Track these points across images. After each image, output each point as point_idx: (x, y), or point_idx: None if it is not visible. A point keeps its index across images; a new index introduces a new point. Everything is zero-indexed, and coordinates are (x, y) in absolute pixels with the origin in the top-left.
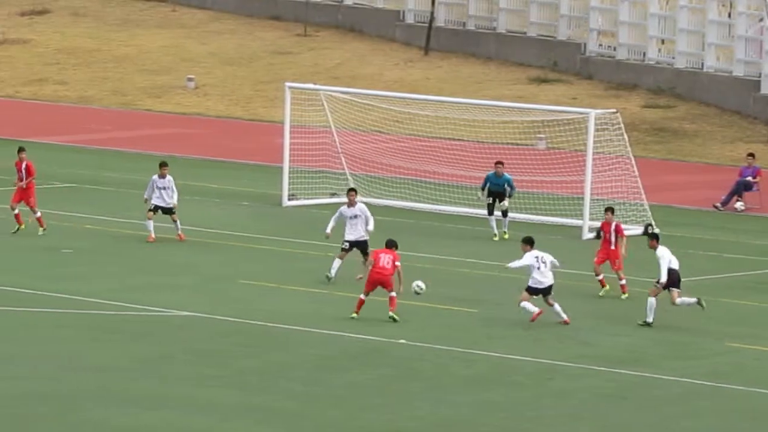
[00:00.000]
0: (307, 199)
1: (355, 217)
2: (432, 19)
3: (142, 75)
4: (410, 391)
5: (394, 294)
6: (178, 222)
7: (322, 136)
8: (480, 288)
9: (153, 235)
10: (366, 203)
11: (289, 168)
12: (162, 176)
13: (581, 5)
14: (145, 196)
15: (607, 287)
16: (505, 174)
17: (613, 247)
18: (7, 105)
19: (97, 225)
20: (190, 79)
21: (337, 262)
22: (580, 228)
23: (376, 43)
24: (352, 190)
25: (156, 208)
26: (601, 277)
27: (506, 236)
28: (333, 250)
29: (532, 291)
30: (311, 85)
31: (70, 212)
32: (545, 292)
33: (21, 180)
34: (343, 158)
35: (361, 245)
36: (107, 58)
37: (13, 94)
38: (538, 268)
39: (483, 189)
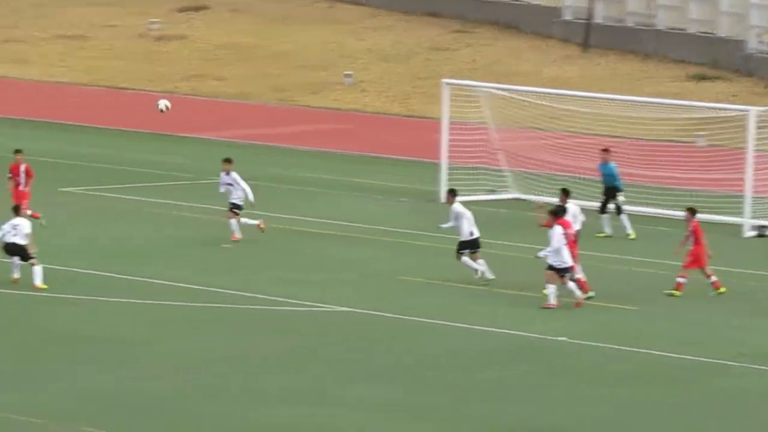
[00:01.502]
0: (465, 195)
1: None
2: (590, 15)
3: (300, 71)
4: (568, 387)
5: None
6: (242, 221)
7: (479, 133)
8: (636, 285)
9: (237, 235)
10: (522, 199)
11: (447, 164)
12: (227, 172)
13: (741, 2)
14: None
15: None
16: (610, 163)
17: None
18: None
19: (256, 220)
20: (347, 75)
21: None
22: (740, 226)
23: (533, 39)
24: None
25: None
26: (714, 278)
27: (632, 236)
28: (493, 248)
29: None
30: (468, 82)
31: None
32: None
33: (19, 184)
34: (500, 154)
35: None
36: (266, 54)
37: (173, 89)
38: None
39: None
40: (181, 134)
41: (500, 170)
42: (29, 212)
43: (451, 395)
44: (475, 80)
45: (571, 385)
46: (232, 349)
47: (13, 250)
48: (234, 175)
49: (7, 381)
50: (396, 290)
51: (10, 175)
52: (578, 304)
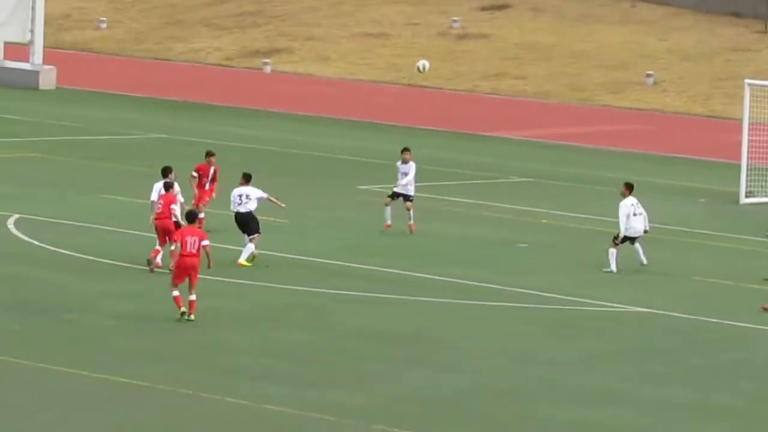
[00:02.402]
0: (765, 196)
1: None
2: None
3: (600, 70)
4: None
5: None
6: (411, 212)
7: None
8: None
9: (389, 222)
10: None
11: (747, 165)
12: (404, 162)
13: None
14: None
15: None
16: None
17: None
18: (467, 99)
19: (554, 220)
20: (648, 75)
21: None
22: None
23: None
24: None
25: (395, 195)
26: None
27: None
28: None
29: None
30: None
31: (527, 207)
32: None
33: (204, 186)
34: None
35: None
36: (566, 53)
37: (473, 88)
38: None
39: None
40: (481, 133)
41: None
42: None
43: (746, 399)
44: None
45: None
46: (522, 349)
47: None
48: (412, 164)
49: (335, 378)
50: (691, 291)
51: (196, 175)
52: None
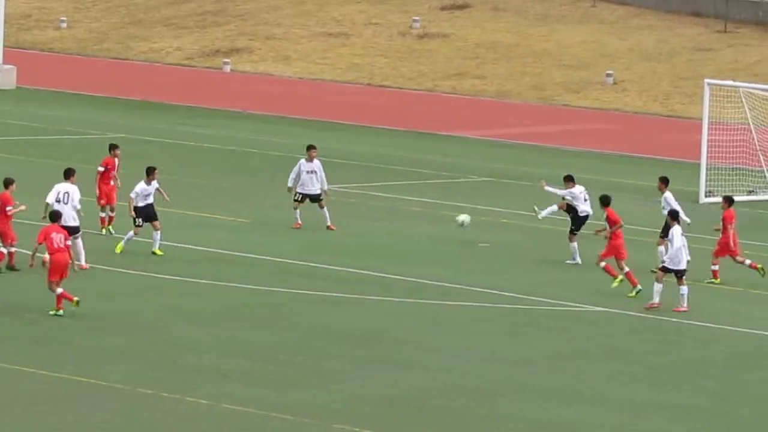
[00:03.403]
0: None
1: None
2: None
3: (561, 70)
4: None
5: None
6: (325, 210)
7: (740, 134)
8: None
9: (299, 222)
10: None
11: (707, 165)
12: (310, 159)
13: None
14: (290, 185)
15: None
16: None
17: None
18: (427, 99)
19: (513, 219)
20: (609, 75)
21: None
22: None
23: None
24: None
25: (303, 197)
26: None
27: None
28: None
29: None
30: (730, 82)
31: (487, 206)
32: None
33: (111, 179)
34: (761, 155)
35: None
36: (526, 52)
37: (433, 87)
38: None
39: None
40: (442, 133)
41: (761, 171)
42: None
43: (708, 397)
44: (737, 80)
45: None
46: (487, 348)
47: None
48: (317, 162)
49: (297, 377)
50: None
51: (104, 169)
52: None
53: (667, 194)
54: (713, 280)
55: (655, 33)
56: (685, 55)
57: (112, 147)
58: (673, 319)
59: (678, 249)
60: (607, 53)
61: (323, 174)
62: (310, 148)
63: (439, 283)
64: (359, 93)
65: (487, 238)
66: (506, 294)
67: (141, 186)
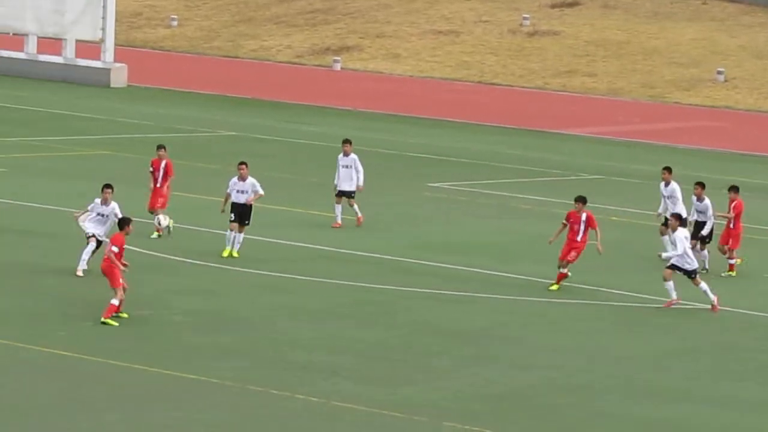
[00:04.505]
0: None
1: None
2: None
3: (672, 67)
4: None
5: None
6: (356, 207)
7: None
8: None
9: (339, 221)
10: None
11: None
12: (346, 154)
13: None
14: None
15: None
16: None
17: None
18: (538, 96)
19: (623, 217)
20: (719, 72)
21: None
22: None
23: None
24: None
25: (340, 194)
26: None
27: None
28: None
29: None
30: None
31: (597, 204)
32: (691, 273)
33: (157, 181)
34: None
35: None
36: (636, 50)
37: (543, 85)
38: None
39: None
40: (552, 130)
41: None
42: (161, 218)
43: None
44: None
45: None
46: (597, 346)
47: None
48: (354, 157)
49: (406, 375)
50: (764, 288)
51: (152, 170)
52: None
53: (674, 184)
54: (730, 272)
55: (767, 30)
56: None
57: (159, 147)
58: None
59: (684, 251)
60: (717, 50)
61: (360, 167)
62: (345, 142)
63: (548, 281)
64: (469, 91)
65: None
66: (615, 292)
67: (232, 180)
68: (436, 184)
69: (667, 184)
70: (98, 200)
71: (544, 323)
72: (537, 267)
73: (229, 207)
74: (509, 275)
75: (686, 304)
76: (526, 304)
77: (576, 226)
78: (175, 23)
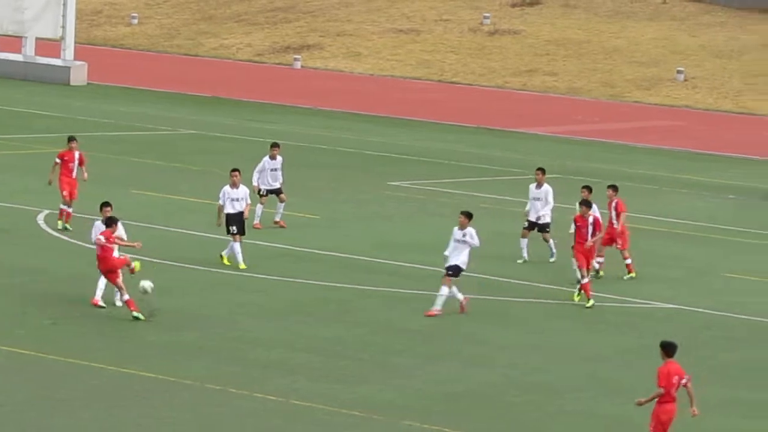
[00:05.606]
0: None
1: None
2: None
3: (632, 67)
4: None
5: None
6: (282, 205)
7: None
8: None
9: (257, 222)
10: None
11: None
12: (273, 157)
13: None
14: (254, 183)
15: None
16: None
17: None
18: (498, 95)
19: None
20: (679, 72)
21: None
22: None
23: None
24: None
25: (267, 193)
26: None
27: None
28: None
29: None
30: None
31: (556, 203)
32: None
33: (71, 171)
34: None
35: None
36: (597, 49)
37: (503, 84)
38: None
39: None
40: (512, 129)
41: None
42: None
43: None
44: None
45: None
46: (557, 345)
47: None
48: (280, 159)
49: (364, 373)
50: (720, 287)
51: (60, 161)
52: None
53: (547, 186)
54: (631, 274)
55: (726, 30)
56: (756, 51)
57: (70, 139)
58: (741, 316)
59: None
60: (677, 50)
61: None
62: (273, 146)
63: (506, 279)
64: (429, 89)
65: (556, 234)
66: (573, 291)
67: (224, 189)
68: (396, 183)
69: (539, 186)
70: (98, 222)
71: (503, 322)
72: (495, 265)
73: (224, 219)
74: (469, 274)
75: (642, 303)
76: (485, 302)
77: (584, 230)
78: (135, 21)
